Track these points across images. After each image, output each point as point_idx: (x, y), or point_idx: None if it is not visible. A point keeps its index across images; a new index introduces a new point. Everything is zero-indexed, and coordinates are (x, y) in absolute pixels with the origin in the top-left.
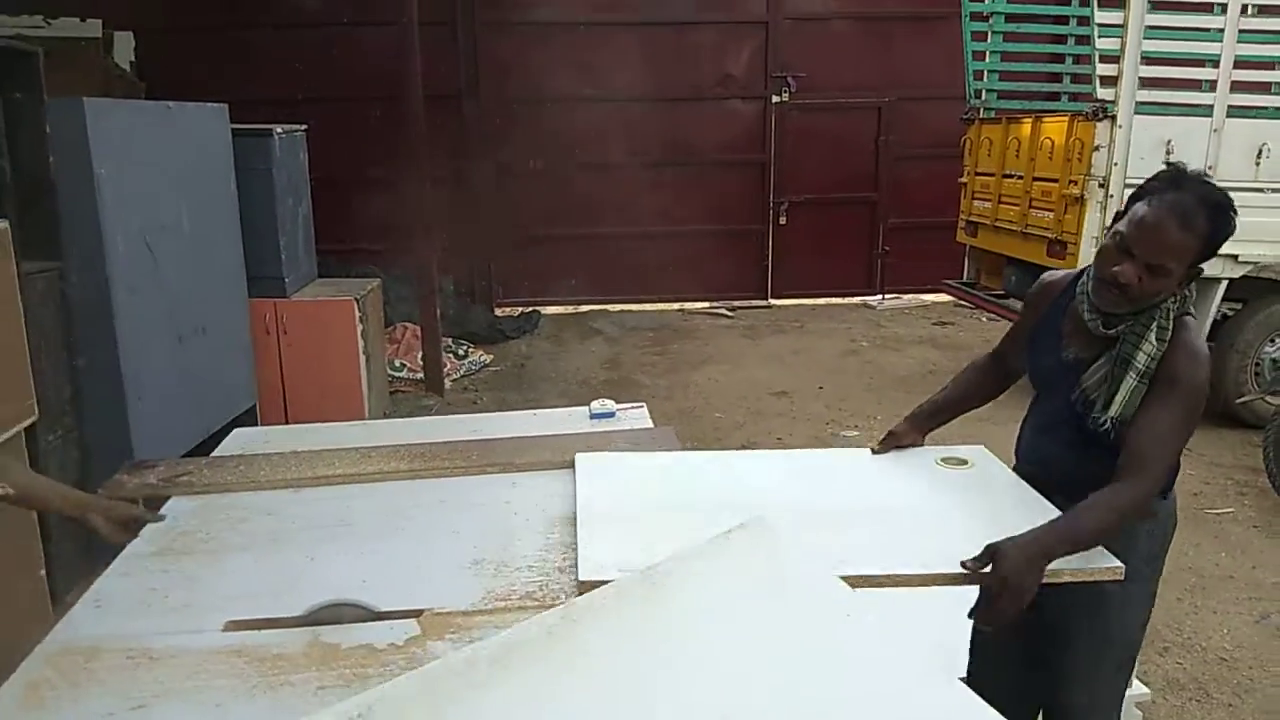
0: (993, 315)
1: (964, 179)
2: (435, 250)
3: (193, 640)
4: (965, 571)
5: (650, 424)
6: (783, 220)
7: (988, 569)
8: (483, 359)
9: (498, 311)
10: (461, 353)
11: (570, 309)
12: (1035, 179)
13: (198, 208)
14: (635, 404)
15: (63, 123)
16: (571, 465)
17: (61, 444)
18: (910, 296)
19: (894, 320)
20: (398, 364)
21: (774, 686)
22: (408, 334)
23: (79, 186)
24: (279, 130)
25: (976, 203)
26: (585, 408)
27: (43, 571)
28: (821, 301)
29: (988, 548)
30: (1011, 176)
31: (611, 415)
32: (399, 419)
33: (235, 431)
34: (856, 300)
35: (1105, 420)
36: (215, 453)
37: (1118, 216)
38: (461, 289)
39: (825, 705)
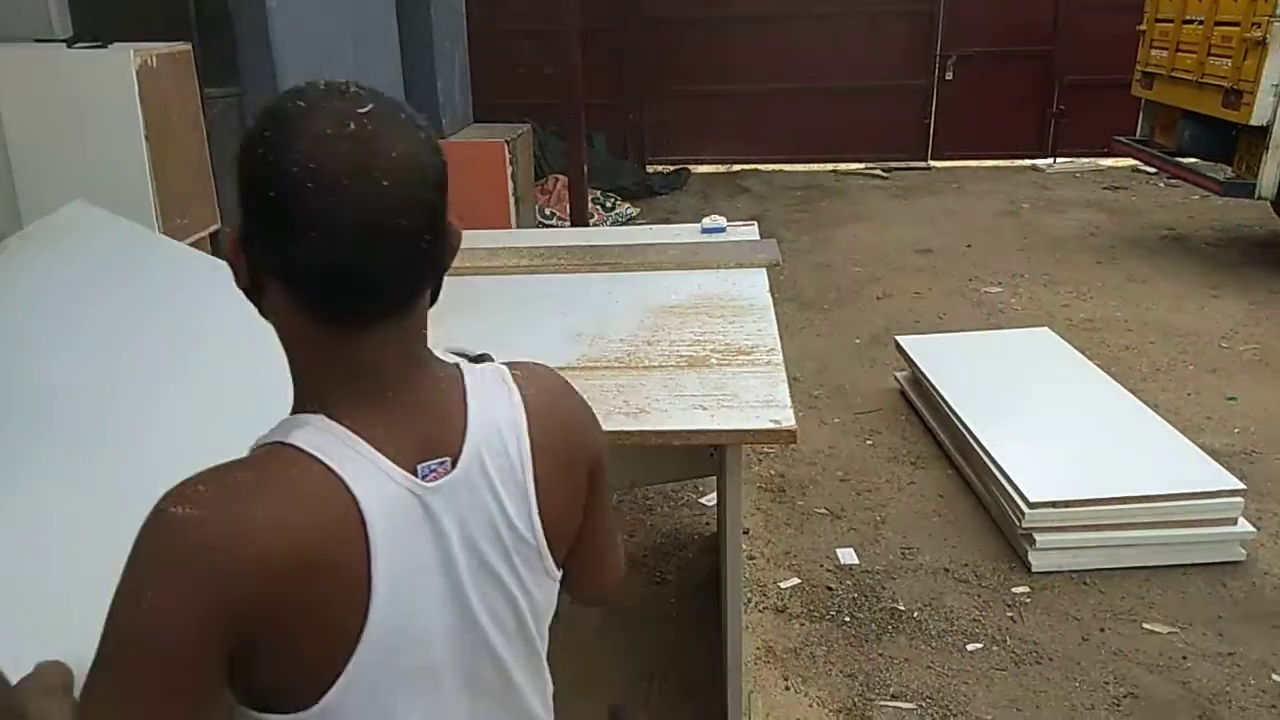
0: (1171, 178)
1: (1143, 26)
2: (582, 101)
3: None
4: None
5: (758, 238)
6: (949, 75)
7: None
8: (629, 211)
9: (648, 168)
10: (609, 205)
11: (721, 168)
12: (1216, 23)
13: (361, 42)
14: (746, 221)
15: None
16: (676, 267)
17: None
18: (1085, 160)
19: (1062, 183)
20: (548, 212)
21: None
22: (558, 185)
23: (253, 16)
24: None
25: (1154, 52)
26: (697, 224)
27: None
28: (986, 164)
29: None
30: (1191, 22)
31: (722, 230)
32: (527, 229)
33: None
34: (1024, 163)
35: None
36: None
37: None
38: (613, 145)
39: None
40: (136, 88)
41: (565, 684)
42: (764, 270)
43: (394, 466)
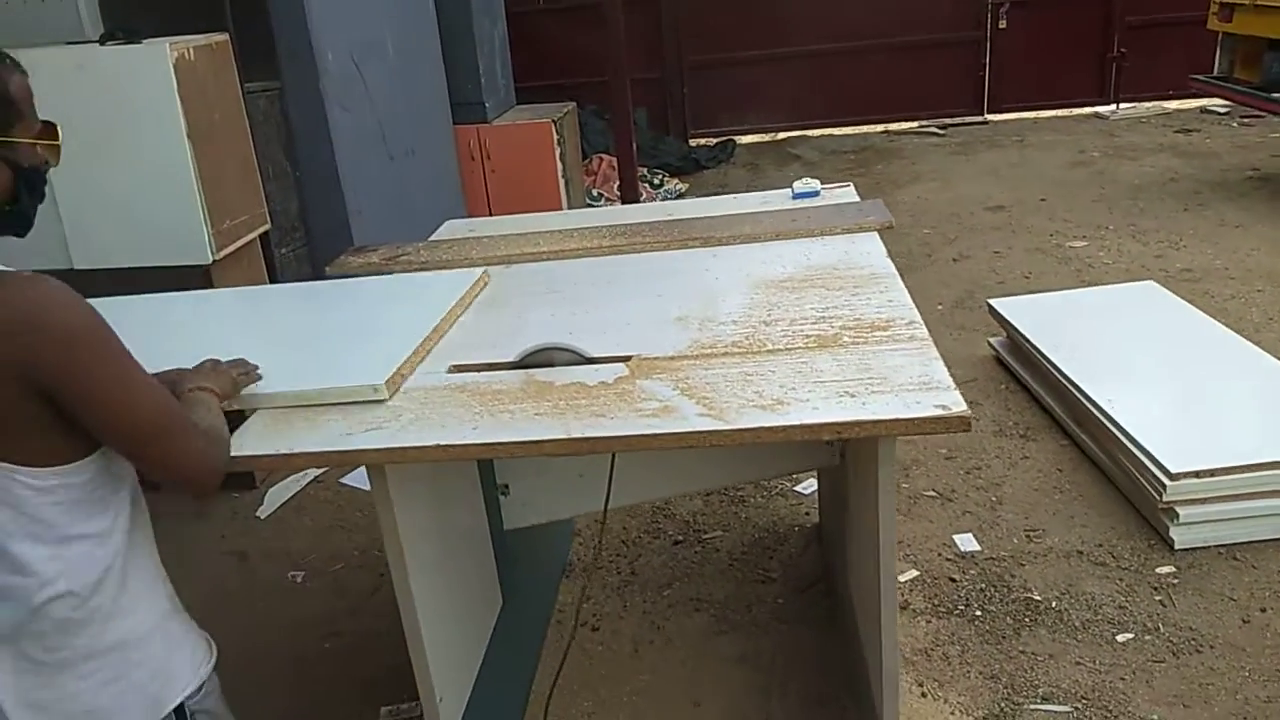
0: (1248, 114)
1: None
2: (628, 76)
3: (422, 380)
4: None
5: (858, 199)
6: (1002, 24)
7: None
8: (678, 187)
9: (691, 142)
10: (657, 182)
11: (767, 137)
12: None
13: (401, 27)
14: (841, 183)
15: None
16: (775, 237)
17: (294, 258)
18: (1150, 104)
19: (1129, 129)
20: (595, 193)
21: None
22: (603, 165)
23: (289, 4)
24: None
25: None
26: (786, 190)
27: None
28: (1045, 114)
29: None
30: None
31: (815, 194)
32: (596, 208)
33: (447, 223)
34: (1086, 111)
35: None
36: (431, 238)
37: None
38: (654, 120)
39: None
40: (175, 82)
41: (675, 698)
42: (875, 234)
43: None
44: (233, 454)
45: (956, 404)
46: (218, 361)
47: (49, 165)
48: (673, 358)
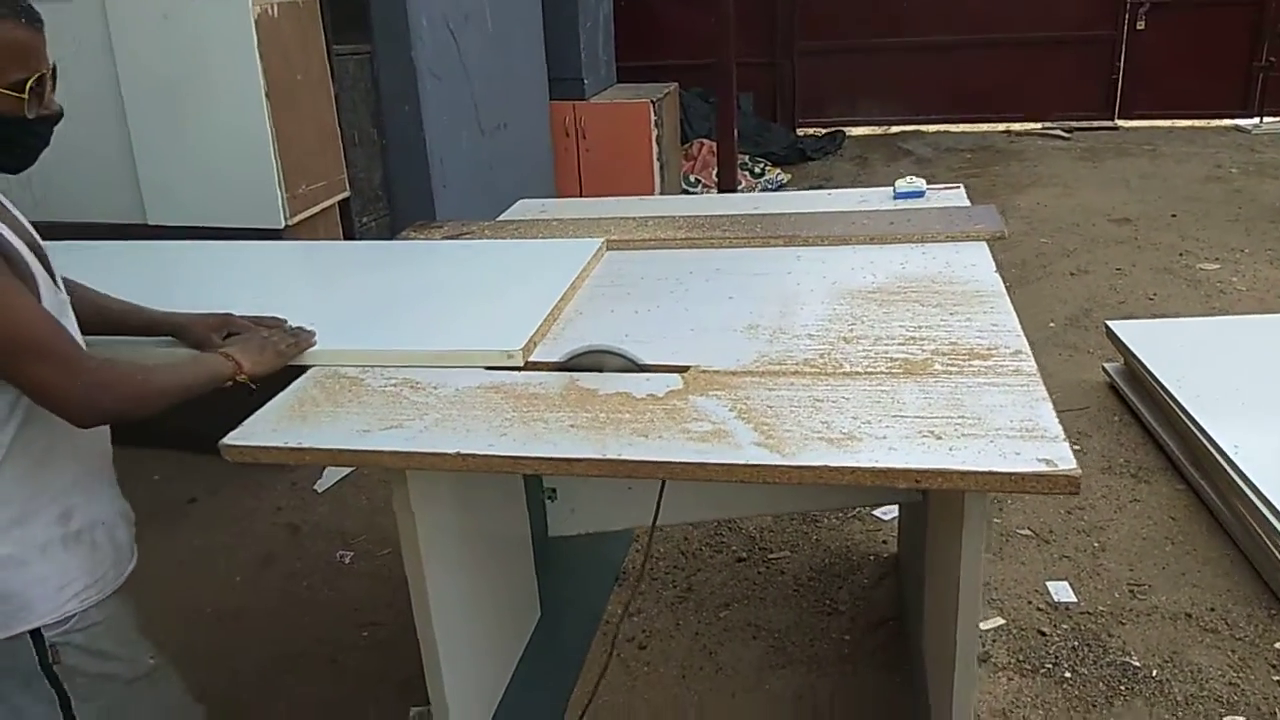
0: None
1: None
2: (734, 58)
3: (454, 376)
4: None
5: (968, 203)
6: (1141, 25)
7: None
8: (780, 178)
9: (798, 131)
10: (758, 171)
11: (878, 130)
12: None
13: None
14: (951, 184)
15: None
16: (869, 241)
17: (375, 227)
18: None
19: (1271, 145)
20: (693, 179)
21: None
22: (703, 150)
23: None
24: None
25: None
26: (888, 187)
27: None
28: (1180, 124)
29: None
30: None
31: (920, 195)
32: (677, 195)
33: (519, 202)
34: (1225, 123)
35: None
36: (499, 218)
37: None
38: (761, 107)
39: None
40: (255, 39)
41: None
42: (984, 245)
43: None
44: (243, 443)
45: (1064, 459)
46: (271, 333)
47: (25, 117)
48: (735, 372)
